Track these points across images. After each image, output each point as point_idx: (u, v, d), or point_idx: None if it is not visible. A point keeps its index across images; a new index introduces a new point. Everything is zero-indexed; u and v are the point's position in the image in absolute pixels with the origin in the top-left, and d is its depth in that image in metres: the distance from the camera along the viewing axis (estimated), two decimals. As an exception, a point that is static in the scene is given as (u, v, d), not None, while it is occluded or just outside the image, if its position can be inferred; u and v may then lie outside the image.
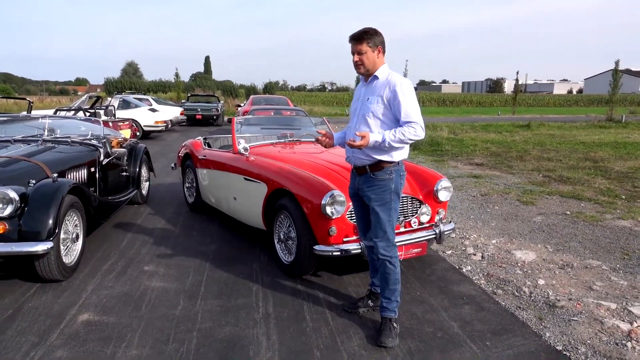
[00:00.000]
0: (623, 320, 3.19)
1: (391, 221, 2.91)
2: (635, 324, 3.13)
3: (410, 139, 2.76)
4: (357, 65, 2.87)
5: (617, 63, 25.08)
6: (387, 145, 2.75)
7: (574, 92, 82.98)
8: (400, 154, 2.90)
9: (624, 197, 6.77)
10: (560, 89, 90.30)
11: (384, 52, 2.89)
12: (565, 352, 2.84)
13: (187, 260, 4.28)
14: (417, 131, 2.75)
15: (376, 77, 2.89)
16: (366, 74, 2.92)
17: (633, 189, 7.31)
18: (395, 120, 2.82)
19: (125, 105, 15.47)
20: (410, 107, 2.76)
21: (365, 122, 2.89)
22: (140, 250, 4.50)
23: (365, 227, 3.15)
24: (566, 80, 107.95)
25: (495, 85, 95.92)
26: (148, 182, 6.65)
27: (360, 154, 2.92)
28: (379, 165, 2.88)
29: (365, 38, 2.81)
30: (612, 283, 3.82)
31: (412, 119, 2.75)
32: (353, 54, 2.86)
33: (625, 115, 24.35)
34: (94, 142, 5.19)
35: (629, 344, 2.90)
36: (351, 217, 3.62)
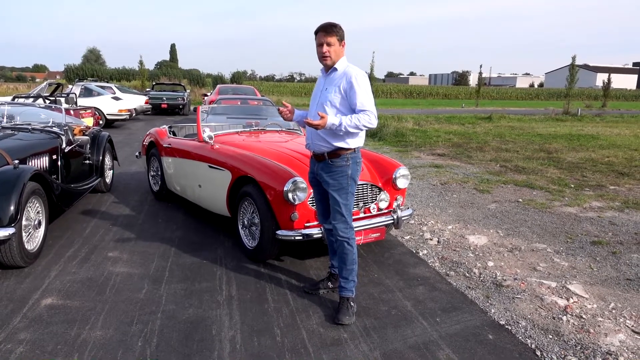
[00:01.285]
0: (561, 297, 3.47)
1: (348, 205, 3.08)
2: (571, 300, 3.41)
3: (365, 126, 2.94)
4: (325, 56, 2.99)
5: (574, 58, 25.91)
6: (343, 129, 2.91)
7: (536, 86, 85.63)
8: (356, 142, 3.07)
9: (572, 185, 7.17)
10: (522, 83, 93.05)
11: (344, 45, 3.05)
12: (507, 326, 3.08)
13: (152, 246, 4.34)
14: (370, 119, 2.93)
15: (335, 69, 3.05)
16: (331, 65, 3.05)
17: (582, 178, 7.75)
18: (350, 109, 2.99)
19: (88, 93, 15.09)
20: (365, 98, 2.94)
21: (323, 110, 3.05)
22: (104, 237, 4.52)
23: (324, 211, 3.30)
24: (528, 74, 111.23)
25: (460, 78, 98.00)
26: (112, 171, 6.61)
27: (319, 141, 3.06)
28: (336, 152, 3.04)
29: (334, 30, 2.95)
30: (554, 264, 4.12)
31: (367, 107, 2.93)
32: (321, 45, 2.97)
33: (581, 108, 25.38)
34: (55, 129, 5.13)
35: (564, 318, 3.17)
36: (312, 203, 3.76)
